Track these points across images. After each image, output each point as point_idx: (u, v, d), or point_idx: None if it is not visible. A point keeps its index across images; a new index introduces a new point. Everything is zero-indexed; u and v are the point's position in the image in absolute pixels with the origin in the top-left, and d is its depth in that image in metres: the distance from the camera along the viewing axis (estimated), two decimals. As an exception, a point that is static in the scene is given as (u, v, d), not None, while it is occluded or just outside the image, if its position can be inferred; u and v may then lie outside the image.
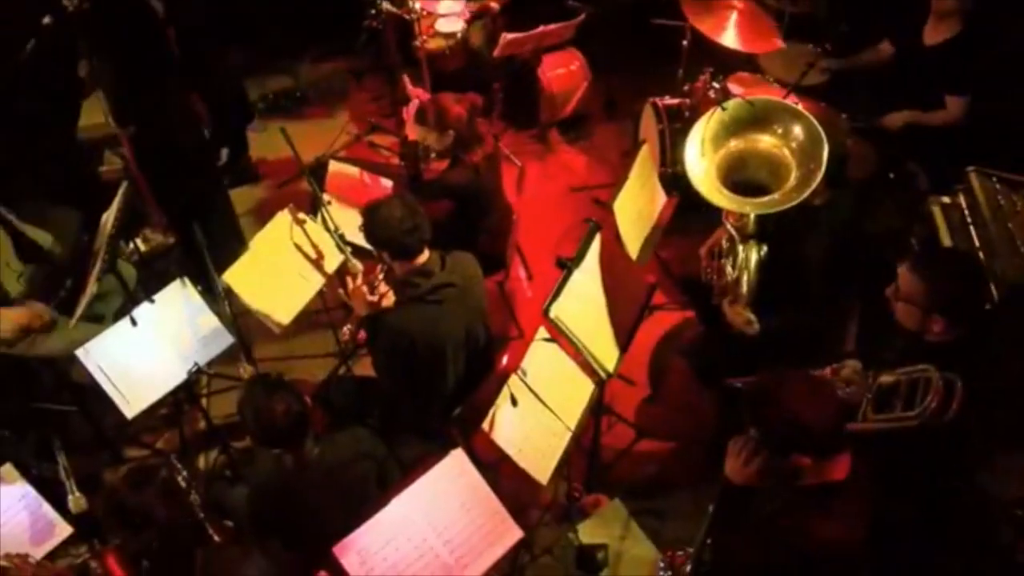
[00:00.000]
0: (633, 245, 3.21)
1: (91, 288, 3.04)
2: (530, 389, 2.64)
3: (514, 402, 2.59)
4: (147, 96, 3.61)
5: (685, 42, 4.25)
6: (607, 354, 2.83)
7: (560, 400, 2.71)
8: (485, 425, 2.57)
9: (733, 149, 2.83)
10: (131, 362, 2.88)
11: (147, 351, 2.91)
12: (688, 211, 3.41)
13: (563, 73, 4.76)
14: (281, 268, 3.14)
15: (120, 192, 3.17)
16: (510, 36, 4.26)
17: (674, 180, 3.74)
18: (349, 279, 2.91)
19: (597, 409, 2.98)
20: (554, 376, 2.72)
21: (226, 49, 4.57)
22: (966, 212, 3.06)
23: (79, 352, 2.80)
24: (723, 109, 2.82)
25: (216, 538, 2.80)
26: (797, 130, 2.75)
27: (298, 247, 3.18)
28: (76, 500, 2.60)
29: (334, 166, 3.59)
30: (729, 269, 2.93)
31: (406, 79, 4.05)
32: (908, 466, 2.35)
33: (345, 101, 5.31)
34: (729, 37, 3.88)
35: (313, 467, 2.51)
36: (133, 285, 3.44)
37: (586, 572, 2.86)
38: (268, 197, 4.69)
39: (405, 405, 3.03)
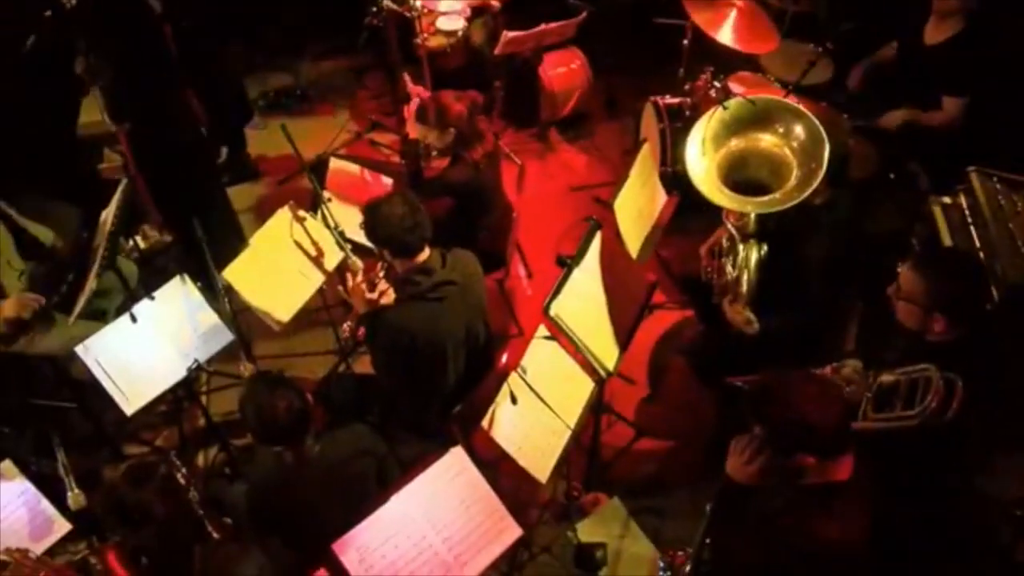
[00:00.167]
0: (633, 244, 3.21)
1: (91, 285, 3.04)
2: (530, 387, 2.64)
3: (514, 400, 2.59)
4: (143, 93, 3.60)
5: (686, 41, 4.25)
6: (607, 353, 2.83)
7: (560, 398, 2.71)
8: (485, 423, 2.57)
9: (734, 148, 2.83)
10: (131, 359, 2.88)
11: (147, 348, 2.91)
12: (687, 210, 3.41)
13: (564, 72, 4.76)
14: (281, 265, 3.14)
15: (120, 189, 3.17)
16: (511, 34, 4.26)
17: (675, 179, 3.73)
18: (349, 276, 2.91)
19: (597, 408, 2.98)
20: (554, 374, 2.72)
21: (225, 48, 4.57)
22: (967, 212, 3.06)
23: (79, 349, 2.80)
24: (724, 108, 2.82)
25: (215, 535, 2.79)
26: (798, 129, 2.74)
27: (298, 244, 3.18)
28: (75, 497, 2.59)
29: (335, 163, 3.59)
30: (729, 268, 2.93)
31: (407, 77, 4.05)
32: (908, 466, 2.35)
33: (346, 99, 5.31)
34: (726, 36, 3.88)
35: (313, 464, 2.51)
36: (134, 283, 3.44)
37: (585, 571, 2.84)
38: (268, 194, 4.69)
39: (405, 403, 3.03)
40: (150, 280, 3.34)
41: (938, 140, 3.57)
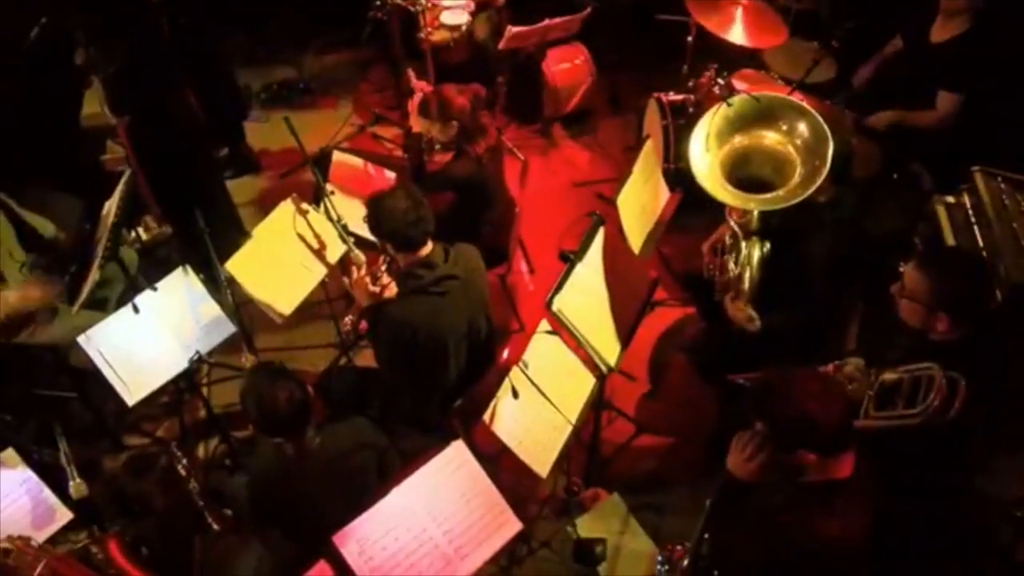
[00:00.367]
0: (636, 240, 3.21)
1: (94, 276, 3.05)
2: (531, 382, 2.64)
3: (515, 394, 2.59)
4: (142, 87, 3.61)
5: (690, 38, 4.25)
6: (609, 348, 2.83)
7: (561, 393, 2.71)
8: (486, 417, 2.57)
9: (738, 145, 2.82)
10: (133, 349, 2.88)
11: (149, 339, 2.92)
12: (688, 208, 3.42)
13: (567, 68, 4.75)
14: (283, 258, 3.14)
15: (123, 181, 3.17)
16: (515, 29, 4.25)
17: (677, 176, 3.73)
18: (352, 269, 2.91)
19: (597, 403, 2.98)
20: (556, 369, 2.73)
21: (220, 43, 4.55)
22: (970, 212, 3.05)
23: (81, 339, 2.81)
24: (728, 105, 2.81)
25: (215, 527, 2.80)
26: (802, 127, 2.74)
27: (301, 237, 3.18)
28: (77, 486, 2.60)
29: (338, 156, 3.58)
30: (732, 265, 2.93)
31: (411, 73, 4.04)
32: (909, 464, 2.35)
33: (349, 93, 5.30)
34: (736, 35, 3.88)
35: (314, 456, 2.51)
36: (134, 270, 3.44)
37: (584, 565, 2.85)
38: (270, 187, 4.68)
39: (406, 397, 3.03)
40: (152, 271, 3.34)
41: (936, 140, 3.57)
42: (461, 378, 3.03)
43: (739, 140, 2.83)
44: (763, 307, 2.88)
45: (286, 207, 3.17)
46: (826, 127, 2.67)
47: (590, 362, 2.79)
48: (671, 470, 3.40)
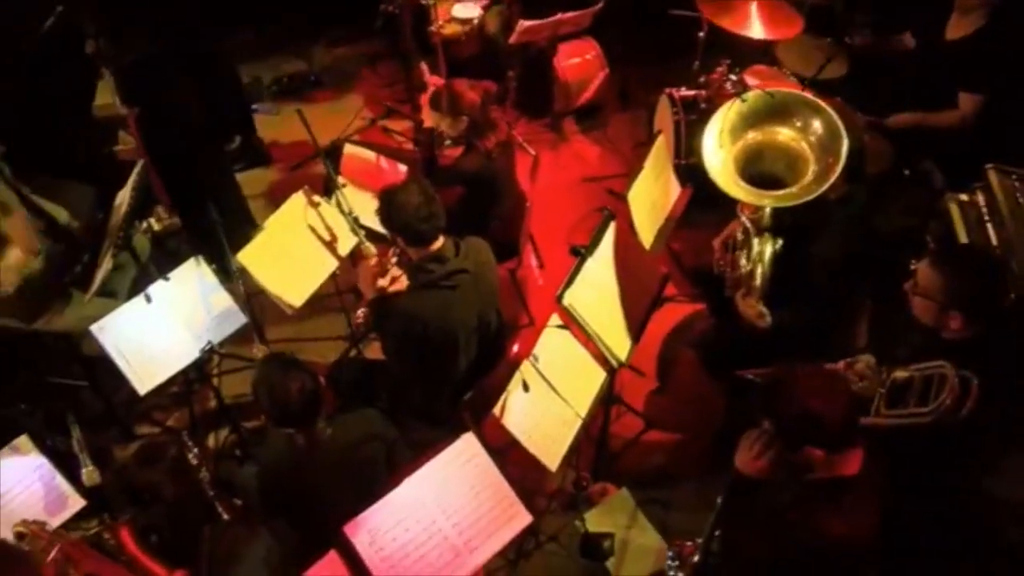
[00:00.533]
0: (647, 235, 3.20)
1: (106, 264, 3.06)
2: (542, 375, 2.64)
3: (526, 388, 2.60)
4: (151, 78, 3.61)
5: (702, 33, 4.24)
6: (619, 343, 2.83)
7: (571, 387, 2.71)
8: (496, 410, 2.58)
9: (751, 141, 2.82)
10: (145, 339, 2.90)
11: (161, 328, 2.93)
12: (697, 204, 3.41)
13: (578, 62, 4.74)
14: (295, 250, 3.15)
15: (135, 171, 3.18)
16: (526, 23, 4.24)
17: (688, 172, 3.73)
18: (363, 262, 2.91)
19: (607, 398, 2.99)
20: (566, 363, 2.73)
21: (225, 39, 4.55)
22: (984, 210, 3.04)
23: (94, 328, 2.82)
24: (742, 100, 2.81)
25: (225, 516, 2.81)
26: (816, 124, 2.73)
27: (312, 229, 3.18)
28: (90, 473, 2.62)
29: (349, 149, 3.59)
30: (743, 261, 2.92)
31: (424, 67, 4.04)
32: (919, 463, 2.35)
33: (359, 86, 5.30)
34: (755, 30, 3.87)
35: (324, 447, 2.52)
36: (145, 257, 3.46)
37: (592, 560, 2.86)
38: (280, 180, 4.69)
39: (415, 390, 3.04)
40: (163, 262, 3.35)
41: (954, 137, 3.55)
42: (471, 372, 3.03)
43: (753, 136, 2.82)
44: (773, 303, 2.87)
45: (298, 199, 3.18)
46: (841, 124, 2.66)
47: (600, 356, 2.80)
48: (679, 466, 3.40)
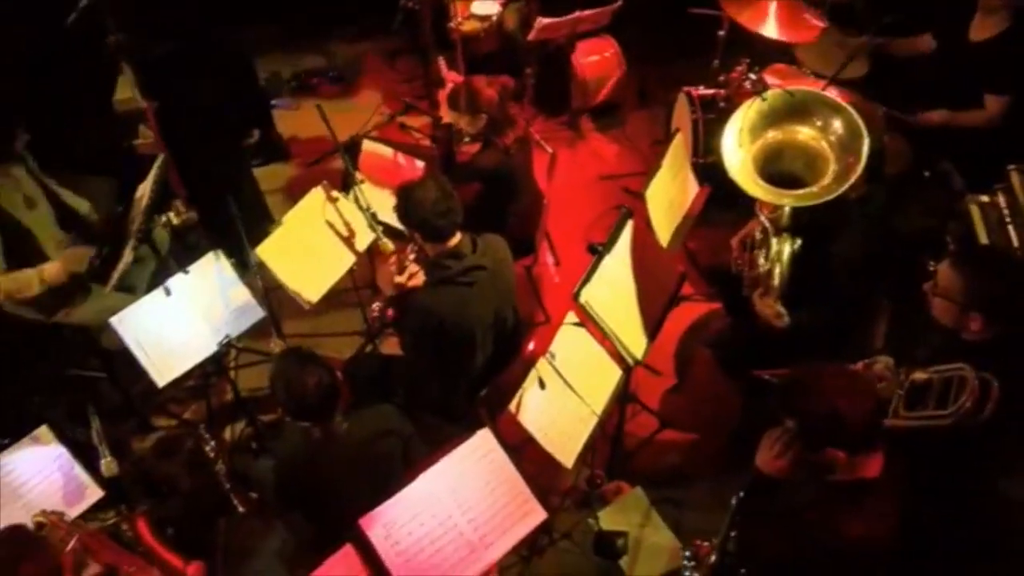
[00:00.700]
0: (664, 234, 3.19)
1: (126, 257, 3.08)
2: (558, 373, 2.64)
3: (542, 385, 2.60)
4: (171, 72, 3.63)
5: (721, 32, 4.21)
6: (635, 341, 2.83)
7: (587, 385, 2.71)
8: (512, 407, 2.58)
9: (771, 140, 2.81)
10: (163, 332, 2.92)
11: (179, 321, 2.95)
12: (713, 203, 3.40)
13: (597, 60, 4.73)
14: (312, 245, 3.16)
15: (156, 165, 3.21)
16: (545, 21, 4.24)
17: (707, 170, 3.71)
18: (381, 258, 2.92)
19: (622, 396, 2.98)
20: (582, 361, 2.73)
21: (243, 35, 4.56)
22: (1005, 211, 3.01)
23: (113, 320, 2.84)
24: (763, 99, 2.80)
25: (240, 509, 2.83)
26: (837, 123, 2.72)
27: (330, 225, 3.20)
28: (108, 464, 2.64)
29: (367, 145, 3.60)
30: (761, 261, 2.91)
31: (442, 63, 4.05)
32: (939, 465, 2.33)
33: (378, 81, 5.31)
34: (771, 30, 3.84)
35: (341, 441, 2.53)
36: (165, 251, 3.48)
37: (605, 558, 2.86)
38: (298, 175, 4.71)
39: (432, 385, 3.04)
40: (181, 256, 3.37)
41: (974, 138, 3.52)
42: (487, 368, 3.03)
43: (773, 135, 2.82)
44: (791, 303, 2.86)
45: (316, 194, 3.19)
46: (862, 124, 2.65)
47: (616, 354, 2.79)
48: (694, 465, 3.39)
